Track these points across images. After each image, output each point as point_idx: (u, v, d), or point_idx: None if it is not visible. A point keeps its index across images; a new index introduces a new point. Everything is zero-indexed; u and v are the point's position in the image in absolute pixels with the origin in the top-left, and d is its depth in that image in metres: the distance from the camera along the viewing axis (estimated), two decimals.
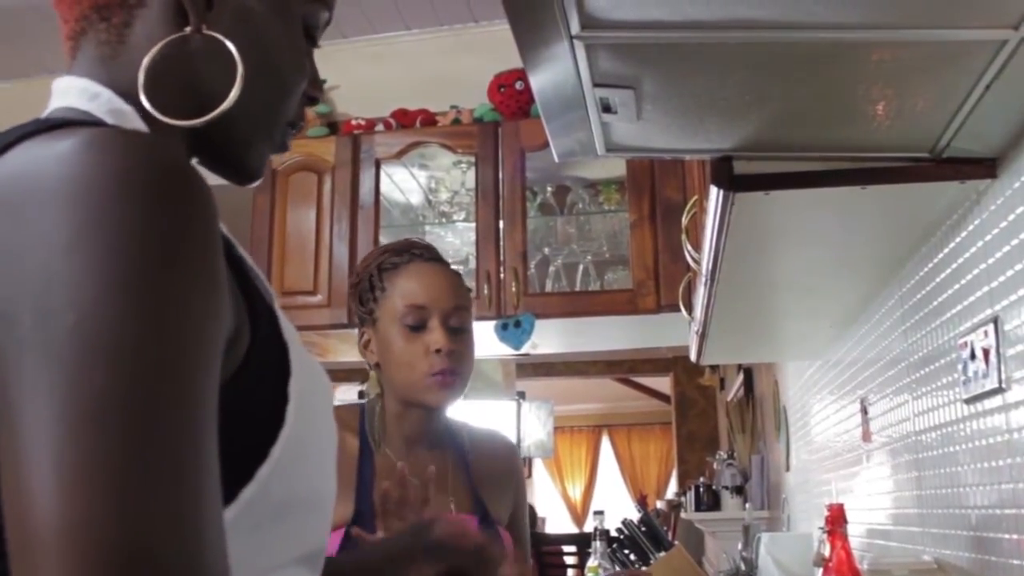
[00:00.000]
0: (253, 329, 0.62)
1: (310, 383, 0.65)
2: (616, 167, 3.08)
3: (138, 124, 0.65)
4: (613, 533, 3.58)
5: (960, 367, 1.35)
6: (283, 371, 0.63)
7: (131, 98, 0.65)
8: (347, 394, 4.05)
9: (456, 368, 1.47)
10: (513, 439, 3.75)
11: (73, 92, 0.66)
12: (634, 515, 3.84)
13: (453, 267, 1.58)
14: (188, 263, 0.51)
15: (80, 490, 0.44)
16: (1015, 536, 1.20)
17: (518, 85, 3.11)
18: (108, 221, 0.49)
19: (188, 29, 0.66)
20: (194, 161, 0.72)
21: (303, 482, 0.63)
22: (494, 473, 1.55)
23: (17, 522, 0.45)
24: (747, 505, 3.47)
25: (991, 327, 1.23)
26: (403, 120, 3.27)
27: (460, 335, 1.49)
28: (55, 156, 0.51)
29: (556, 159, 1.22)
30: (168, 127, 0.65)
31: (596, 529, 2.35)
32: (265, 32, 0.70)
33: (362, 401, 1.57)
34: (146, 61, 0.65)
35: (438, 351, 1.45)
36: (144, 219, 0.50)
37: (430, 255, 1.53)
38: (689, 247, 1.97)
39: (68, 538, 0.43)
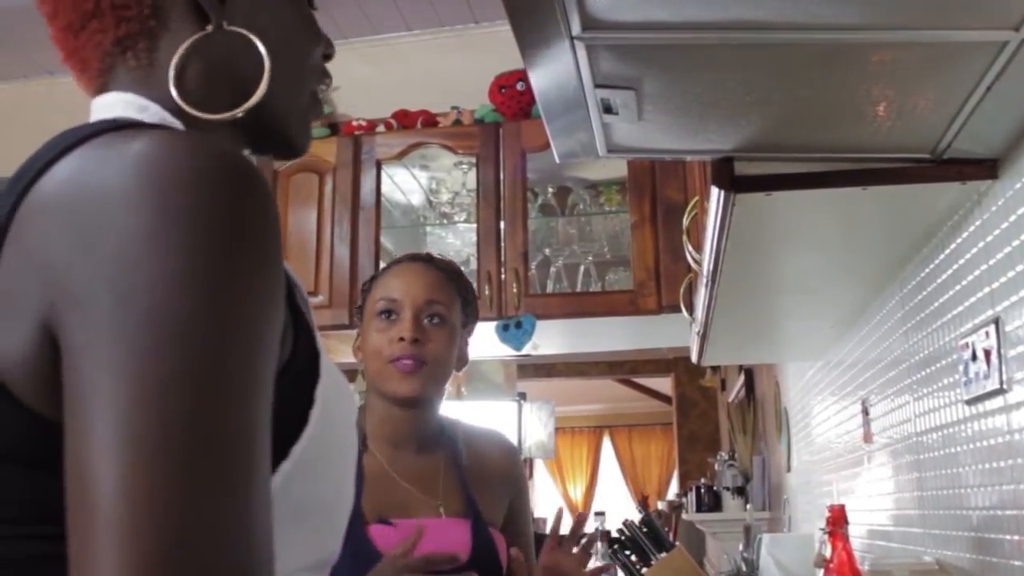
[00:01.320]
0: (295, 329, 0.63)
1: (335, 391, 0.66)
2: (617, 168, 3.07)
3: None
4: (614, 534, 3.58)
5: (961, 368, 1.35)
6: (311, 374, 0.64)
7: (175, 113, 0.67)
8: None
9: (420, 357, 1.47)
10: (514, 440, 3.75)
11: (120, 105, 0.67)
12: (635, 516, 3.85)
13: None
14: (255, 255, 0.54)
15: (142, 470, 0.46)
16: (1016, 537, 1.20)
17: (519, 86, 3.11)
18: (182, 214, 0.51)
19: (209, 28, 0.68)
20: (245, 152, 0.75)
21: (322, 486, 0.63)
22: (489, 474, 1.54)
23: (79, 496, 0.47)
24: (748, 506, 3.46)
25: (992, 328, 1.23)
26: (404, 121, 3.26)
27: (434, 329, 1.50)
28: (131, 153, 0.54)
29: (557, 160, 1.22)
30: (215, 129, 0.67)
31: (597, 530, 2.35)
32: (276, 11, 0.73)
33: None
34: (173, 62, 0.67)
35: (401, 339, 1.47)
36: (215, 213, 0.52)
37: (417, 256, 1.57)
38: (690, 248, 1.96)
39: (128, 516, 0.45)
